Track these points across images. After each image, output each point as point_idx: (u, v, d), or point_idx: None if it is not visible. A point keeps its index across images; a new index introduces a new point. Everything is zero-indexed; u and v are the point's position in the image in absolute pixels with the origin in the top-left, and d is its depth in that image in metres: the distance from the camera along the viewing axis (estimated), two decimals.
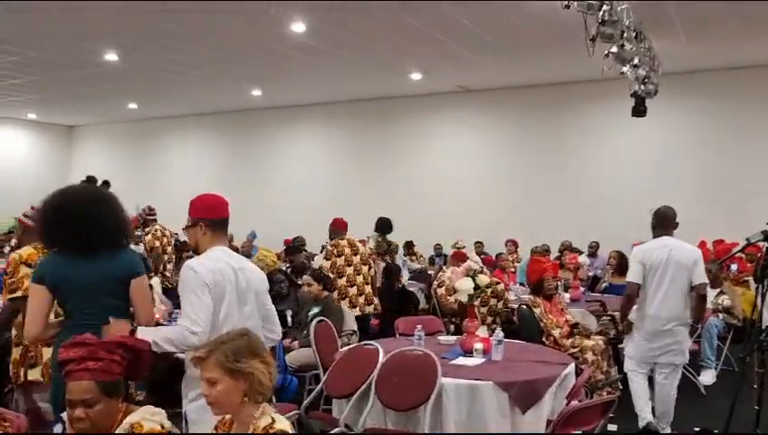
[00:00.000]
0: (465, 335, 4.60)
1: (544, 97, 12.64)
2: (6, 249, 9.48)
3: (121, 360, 2.50)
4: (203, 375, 2.34)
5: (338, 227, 7.36)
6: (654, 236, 5.01)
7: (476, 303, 4.90)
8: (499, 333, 4.39)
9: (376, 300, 6.99)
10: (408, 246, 12.14)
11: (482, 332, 4.62)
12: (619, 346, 6.17)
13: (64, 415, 2.49)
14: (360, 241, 11.23)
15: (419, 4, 7.80)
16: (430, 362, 3.77)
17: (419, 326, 4.67)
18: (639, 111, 8.40)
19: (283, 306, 6.50)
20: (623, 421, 5.12)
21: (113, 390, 2.43)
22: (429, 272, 10.14)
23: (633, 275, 4.93)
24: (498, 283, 6.90)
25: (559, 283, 6.90)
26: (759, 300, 4.01)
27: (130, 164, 17.82)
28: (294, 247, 9.83)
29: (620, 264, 8.23)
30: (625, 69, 7.20)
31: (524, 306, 6.06)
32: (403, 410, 3.77)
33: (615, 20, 5.80)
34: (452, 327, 7.01)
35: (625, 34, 6.23)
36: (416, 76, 11.98)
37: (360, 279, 6.86)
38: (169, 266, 8.14)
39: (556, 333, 5.67)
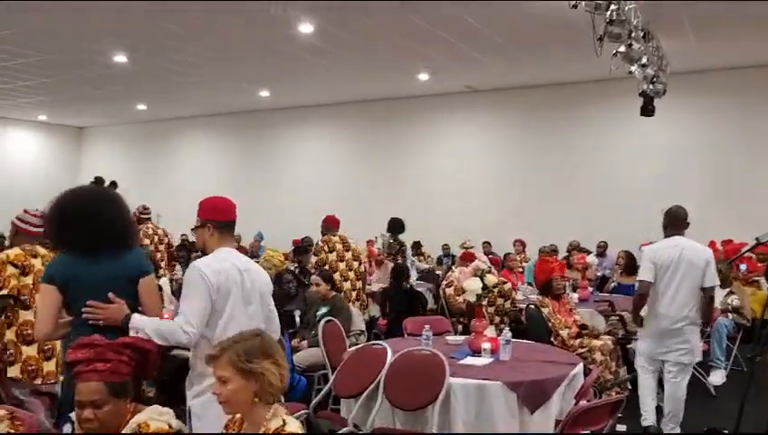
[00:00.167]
0: (473, 335, 4.60)
1: (551, 97, 12.61)
2: None
3: (129, 360, 2.52)
4: (215, 373, 2.35)
5: (330, 224, 7.45)
6: (665, 236, 5.00)
7: (484, 303, 4.89)
8: (507, 333, 4.38)
9: (363, 296, 7.19)
10: (416, 246, 12.14)
11: (490, 332, 4.62)
12: (628, 346, 6.17)
13: (73, 415, 2.51)
14: (368, 241, 11.32)
15: (426, 4, 7.81)
16: (438, 362, 3.77)
17: (427, 326, 4.68)
18: (648, 110, 8.37)
19: (292, 306, 6.51)
20: (632, 422, 5.11)
21: (122, 390, 2.45)
22: (437, 272, 10.14)
23: (645, 274, 4.92)
24: (505, 282, 6.89)
25: (567, 283, 6.88)
26: None
27: (139, 165, 17.90)
28: (302, 248, 9.82)
29: (629, 264, 8.21)
30: (633, 68, 7.19)
31: (532, 306, 6.05)
32: (411, 410, 3.77)
33: (623, 19, 5.79)
34: (460, 327, 7.01)
35: (633, 34, 6.22)
36: (423, 77, 11.98)
37: (352, 275, 7.01)
38: (162, 264, 8.17)
39: (564, 333, 5.66)
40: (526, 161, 12.96)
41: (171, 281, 7.29)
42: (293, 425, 2.32)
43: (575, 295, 7.17)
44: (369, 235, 11.70)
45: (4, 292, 3.67)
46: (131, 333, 2.91)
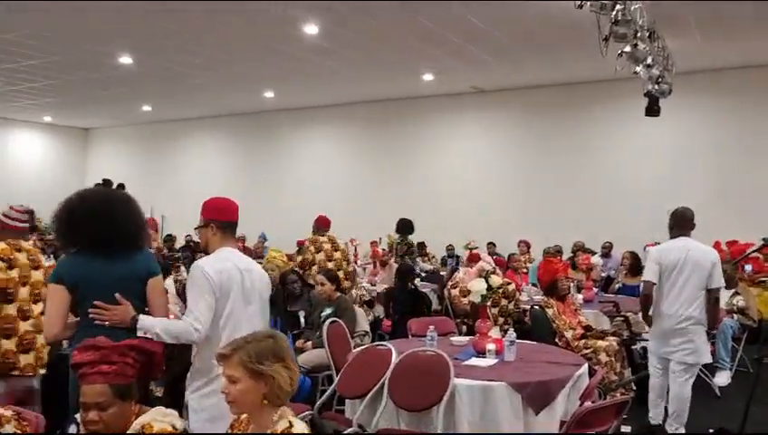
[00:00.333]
0: (477, 336, 4.60)
1: (557, 97, 12.59)
2: None
3: (134, 363, 2.53)
4: (224, 372, 2.33)
5: (320, 224, 7.67)
6: (671, 237, 5.03)
7: (488, 303, 4.89)
8: (512, 334, 4.38)
9: (352, 293, 7.38)
10: (421, 246, 12.14)
11: (494, 332, 4.61)
12: (633, 347, 6.16)
13: (78, 416, 2.52)
14: (372, 242, 11.33)
15: (431, 4, 7.81)
16: (443, 363, 3.77)
17: (432, 327, 4.68)
18: (653, 110, 8.34)
19: (296, 307, 6.52)
20: (637, 422, 5.10)
21: (126, 393, 2.46)
22: (442, 273, 10.13)
23: (648, 274, 4.99)
24: (509, 283, 6.88)
25: (572, 283, 6.87)
26: None
27: (145, 166, 17.95)
28: None
29: (634, 264, 8.20)
30: (638, 68, 7.16)
31: (537, 307, 6.04)
32: (416, 411, 3.78)
33: (628, 19, 5.76)
34: (464, 328, 7.01)
35: (638, 34, 6.19)
36: (429, 77, 11.99)
37: (341, 274, 7.09)
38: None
39: (569, 334, 5.65)
40: (531, 162, 12.94)
41: (176, 282, 7.31)
42: (300, 426, 2.32)
43: (580, 296, 7.16)
44: (374, 235, 11.70)
45: None
46: (139, 334, 2.95)
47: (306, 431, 2.32)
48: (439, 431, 3.63)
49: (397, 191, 14.10)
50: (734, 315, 6.97)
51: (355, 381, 4.08)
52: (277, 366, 2.31)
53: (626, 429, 5.05)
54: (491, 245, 12.16)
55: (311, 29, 8.91)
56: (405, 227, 9.56)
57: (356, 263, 10.41)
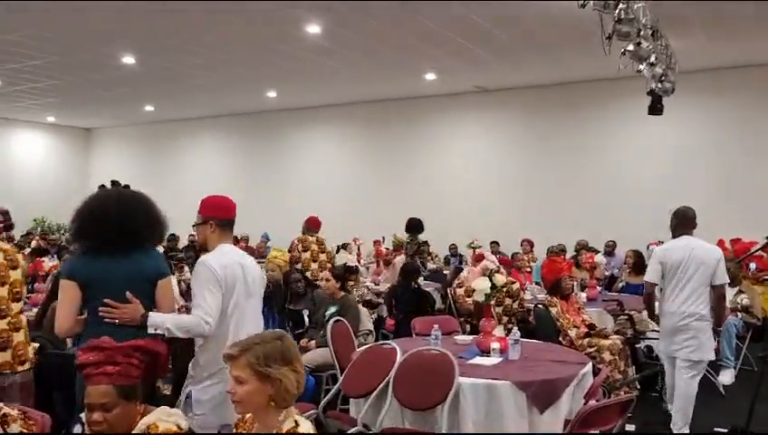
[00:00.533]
0: (481, 335, 4.60)
1: (559, 97, 12.59)
2: (27, 250, 9.62)
3: (139, 363, 2.53)
4: (231, 372, 2.33)
5: (311, 225, 7.93)
6: (674, 236, 5.07)
7: (492, 302, 4.89)
8: (516, 333, 4.38)
9: None
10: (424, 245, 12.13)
11: (498, 331, 4.61)
12: (637, 346, 6.15)
13: (84, 416, 2.52)
14: (375, 241, 11.34)
15: (433, 4, 7.81)
16: (448, 362, 3.77)
17: (436, 326, 4.68)
18: (656, 109, 8.33)
19: (300, 306, 6.53)
20: (641, 421, 5.10)
21: (131, 393, 2.46)
22: (445, 272, 10.14)
23: (650, 275, 5.07)
24: (514, 283, 6.87)
25: (575, 282, 6.87)
26: None
27: (147, 166, 17.95)
28: None
29: (637, 263, 8.17)
30: (641, 67, 7.15)
31: (541, 306, 6.04)
32: (421, 410, 3.78)
33: (631, 18, 5.76)
34: (468, 327, 7.01)
35: (641, 32, 6.19)
36: (431, 77, 11.99)
37: (324, 274, 7.15)
38: None
39: (573, 333, 5.65)
40: (533, 161, 12.94)
41: (180, 282, 7.33)
42: (306, 425, 2.32)
43: (583, 295, 7.15)
44: (376, 235, 11.71)
45: None
46: (150, 331, 3.01)
47: (312, 431, 2.32)
48: (444, 430, 3.62)
49: (399, 191, 14.10)
50: (739, 314, 6.96)
51: (359, 381, 4.07)
52: (285, 369, 2.30)
53: (630, 427, 5.05)
54: (494, 244, 12.16)
55: (313, 29, 8.91)
56: (414, 226, 9.66)
57: (359, 262, 10.43)
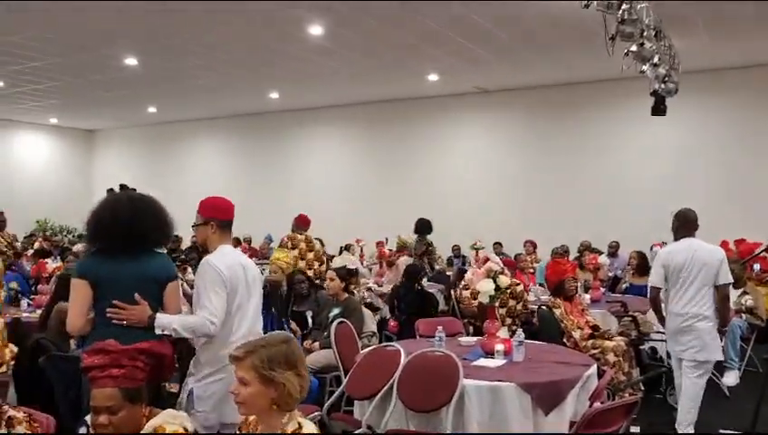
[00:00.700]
0: (485, 337, 4.59)
1: (562, 97, 12.58)
2: (29, 252, 9.63)
3: (144, 366, 2.54)
4: (236, 373, 2.34)
5: (300, 223, 8.07)
6: (675, 239, 5.08)
7: (496, 304, 4.88)
8: (520, 335, 4.37)
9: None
10: None
11: (502, 333, 4.60)
12: (641, 347, 6.13)
13: (89, 418, 2.52)
14: (378, 242, 11.33)
15: (435, 5, 7.80)
16: (452, 364, 3.77)
17: (440, 328, 4.67)
18: (659, 110, 8.31)
19: (304, 307, 6.52)
20: (646, 423, 5.09)
21: (136, 396, 2.46)
22: (448, 273, 10.13)
23: (653, 279, 5.12)
24: (518, 284, 6.86)
25: (579, 284, 6.85)
26: None
27: (150, 167, 17.97)
28: None
29: (641, 264, 8.17)
30: (645, 67, 7.14)
31: (544, 307, 6.03)
32: (425, 412, 3.77)
33: (635, 18, 5.75)
34: (471, 329, 6.99)
35: (645, 33, 6.18)
36: (433, 78, 11.98)
37: (310, 273, 7.42)
38: None
39: (577, 334, 5.63)
40: (534, 161, 12.94)
41: (183, 283, 7.31)
42: (310, 427, 2.32)
43: (587, 296, 7.13)
44: (379, 236, 11.70)
45: None
46: (157, 332, 3.05)
47: (315, 432, 2.32)
48: (449, 432, 3.62)
49: (400, 191, 14.11)
50: (743, 315, 6.94)
51: (364, 382, 4.07)
52: (289, 374, 2.30)
53: (635, 429, 5.04)
54: (497, 245, 12.16)
55: (315, 30, 8.91)
56: (423, 226, 9.86)
57: (361, 263, 10.43)
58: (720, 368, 6.46)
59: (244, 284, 3.33)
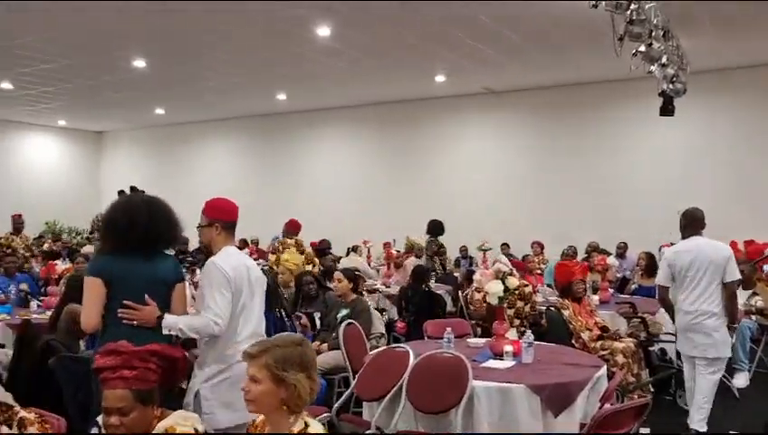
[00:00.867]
0: (494, 338, 4.58)
1: (570, 97, 12.55)
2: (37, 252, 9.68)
3: (156, 368, 2.54)
4: (248, 371, 2.35)
5: (291, 228, 8.31)
6: (683, 237, 5.09)
7: (504, 305, 4.87)
8: (529, 336, 4.36)
9: None
10: None
11: (511, 334, 4.59)
12: (650, 348, 6.11)
13: (100, 419, 2.53)
14: (385, 243, 11.33)
15: (443, 5, 7.79)
16: (461, 365, 3.76)
17: (449, 329, 4.67)
18: (668, 110, 8.29)
19: (312, 308, 6.51)
20: (655, 424, 5.06)
21: (148, 397, 2.47)
22: (455, 274, 10.12)
23: (660, 278, 5.15)
24: (527, 285, 6.83)
25: (587, 285, 6.82)
26: None
27: (158, 169, 18.02)
28: (322, 250, 9.87)
29: (650, 265, 8.13)
30: (653, 68, 7.12)
31: (553, 308, 6.01)
32: (434, 414, 3.77)
33: (643, 19, 5.74)
34: (479, 330, 6.98)
35: (653, 33, 6.16)
36: (441, 78, 11.97)
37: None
38: None
39: (585, 335, 5.61)
40: (542, 162, 12.91)
41: (191, 284, 7.32)
42: (316, 426, 2.34)
43: (596, 297, 7.11)
44: (387, 236, 11.70)
45: None
46: (164, 332, 3.08)
47: (322, 431, 2.33)
48: (458, 433, 3.61)
49: (409, 192, 14.10)
50: (753, 316, 6.90)
51: (373, 384, 4.07)
52: (300, 376, 2.32)
53: (645, 431, 5.01)
54: (505, 245, 12.12)
55: (323, 31, 8.92)
56: (435, 227, 10.05)
57: (368, 264, 10.44)
58: (730, 369, 6.42)
59: (248, 284, 3.37)
